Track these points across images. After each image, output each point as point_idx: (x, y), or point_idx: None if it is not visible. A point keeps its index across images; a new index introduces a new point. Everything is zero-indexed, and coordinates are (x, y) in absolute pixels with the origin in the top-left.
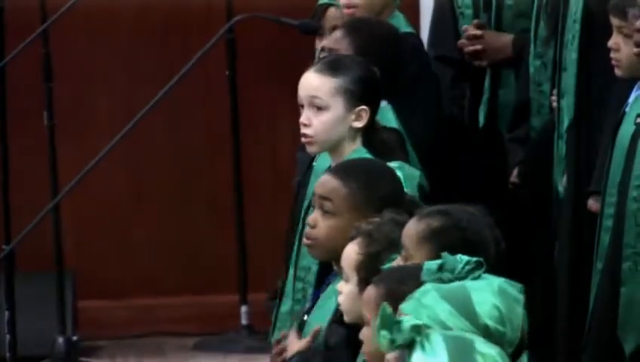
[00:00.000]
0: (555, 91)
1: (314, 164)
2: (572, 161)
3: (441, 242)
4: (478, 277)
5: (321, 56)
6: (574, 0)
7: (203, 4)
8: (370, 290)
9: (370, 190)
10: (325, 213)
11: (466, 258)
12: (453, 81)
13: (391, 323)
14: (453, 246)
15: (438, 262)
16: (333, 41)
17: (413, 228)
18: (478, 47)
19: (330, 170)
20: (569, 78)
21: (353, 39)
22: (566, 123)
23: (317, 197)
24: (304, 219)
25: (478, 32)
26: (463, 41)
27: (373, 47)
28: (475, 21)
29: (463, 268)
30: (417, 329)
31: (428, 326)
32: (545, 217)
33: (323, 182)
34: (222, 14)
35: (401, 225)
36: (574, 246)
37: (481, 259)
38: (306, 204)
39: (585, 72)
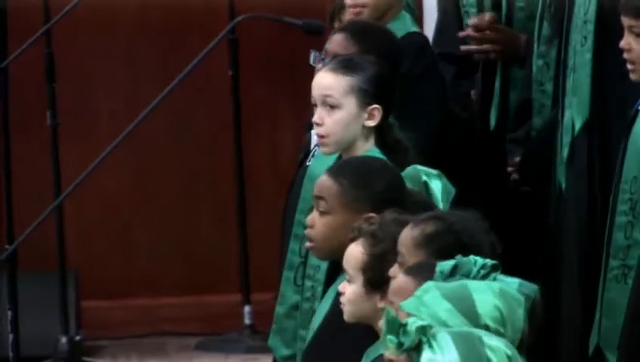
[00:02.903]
0: None
1: (307, 163)
2: (584, 162)
3: (435, 247)
4: (493, 280)
5: (322, 57)
6: (584, 1)
7: (204, 4)
8: (407, 281)
9: (362, 187)
10: (321, 212)
11: (481, 260)
12: (455, 78)
13: (397, 327)
14: (448, 250)
15: (452, 263)
16: (338, 45)
17: (408, 235)
18: (489, 47)
19: (327, 169)
20: (582, 79)
21: (360, 44)
22: (579, 124)
23: (314, 198)
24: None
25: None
26: (472, 34)
27: (378, 50)
28: (489, 16)
29: (478, 271)
30: (424, 330)
31: (432, 326)
32: (546, 216)
33: (318, 182)
34: (223, 14)
35: (405, 225)
36: (585, 253)
37: (497, 262)
38: (300, 204)
39: (599, 72)
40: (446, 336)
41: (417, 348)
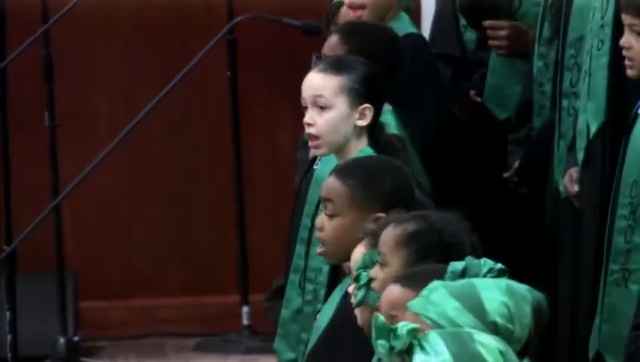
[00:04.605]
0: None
1: (315, 167)
2: (599, 165)
3: (416, 245)
4: None
5: (317, 61)
6: (600, 4)
7: (203, 5)
8: (401, 292)
9: (370, 187)
10: (329, 215)
11: (490, 263)
12: (452, 78)
13: (387, 331)
14: (429, 249)
15: (462, 264)
16: (329, 47)
17: (389, 234)
18: (504, 43)
19: (332, 171)
20: (598, 83)
21: (350, 45)
22: (594, 128)
23: (322, 200)
24: (311, 222)
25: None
26: (490, 24)
27: (369, 50)
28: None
29: (485, 275)
30: (414, 333)
31: (430, 320)
32: (545, 217)
33: (325, 184)
34: (222, 14)
35: None
36: (599, 258)
37: (505, 267)
38: (307, 208)
39: (616, 75)
40: (436, 337)
41: (408, 351)
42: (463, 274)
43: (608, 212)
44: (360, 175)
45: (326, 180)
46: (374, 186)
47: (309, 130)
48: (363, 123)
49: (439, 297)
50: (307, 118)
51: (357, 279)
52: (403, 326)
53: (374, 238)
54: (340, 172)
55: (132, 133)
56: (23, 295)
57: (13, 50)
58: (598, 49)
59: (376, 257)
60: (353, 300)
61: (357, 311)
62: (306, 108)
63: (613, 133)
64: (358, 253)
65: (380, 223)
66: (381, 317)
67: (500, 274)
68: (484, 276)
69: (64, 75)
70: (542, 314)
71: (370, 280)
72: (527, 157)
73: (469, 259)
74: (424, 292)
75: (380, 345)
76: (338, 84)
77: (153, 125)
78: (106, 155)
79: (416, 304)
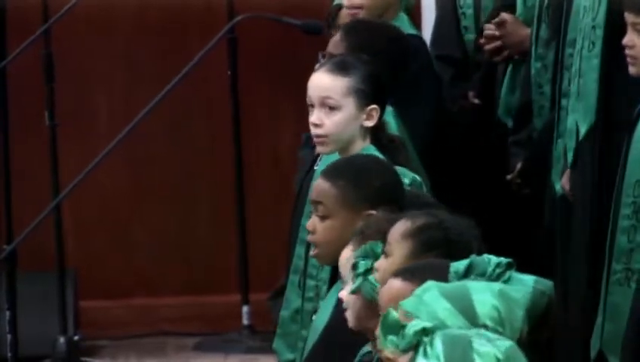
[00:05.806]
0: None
1: (315, 167)
2: (590, 166)
3: (422, 239)
4: (508, 280)
5: (323, 60)
6: (591, 4)
7: (203, 5)
8: (403, 285)
9: (359, 186)
10: (320, 217)
11: (495, 259)
12: (453, 79)
13: (397, 328)
14: (434, 244)
15: (466, 262)
16: (332, 45)
17: (399, 226)
18: (498, 43)
19: (322, 172)
20: (589, 84)
21: (349, 42)
22: (584, 129)
23: (312, 203)
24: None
25: (497, 33)
26: (482, 40)
27: (370, 48)
28: (498, 19)
29: (493, 270)
30: (422, 333)
31: (432, 330)
32: (545, 217)
33: (315, 187)
34: (222, 14)
35: (393, 221)
36: (592, 257)
37: (511, 260)
38: (307, 208)
39: (607, 77)
40: (439, 342)
41: (414, 350)
42: (467, 273)
43: (600, 213)
44: (349, 175)
45: (315, 183)
46: (364, 185)
47: (316, 130)
48: (370, 124)
49: (431, 297)
50: (314, 119)
51: (355, 267)
52: (411, 327)
53: (362, 236)
54: (329, 173)
55: (132, 132)
56: (24, 294)
57: (14, 49)
58: (589, 50)
59: (377, 248)
60: (344, 305)
61: (349, 302)
62: (311, 107)
63: (603, 135)
64: (346, 254)
65: (369, 221)
66: (394, 313)
67: (507, 268)
68: (493, 271)
69: (64, 74)
70: (552, 306)
71: (369, 270)
72: (530, 159)
73: (473, 257)
74: (417, 291)
75: (390, 341)
76: (346, 85)
77: (153, 125)
78: (107, 155)
79: (408, 303)
